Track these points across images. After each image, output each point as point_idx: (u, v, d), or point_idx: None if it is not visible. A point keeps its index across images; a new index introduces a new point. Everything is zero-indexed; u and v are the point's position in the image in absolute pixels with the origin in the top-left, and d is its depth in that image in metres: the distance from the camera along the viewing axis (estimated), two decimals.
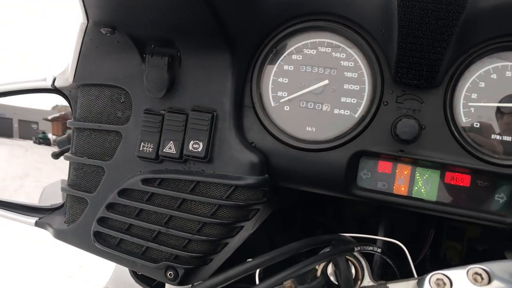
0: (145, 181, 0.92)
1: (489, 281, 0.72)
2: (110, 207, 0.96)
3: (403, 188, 0.86)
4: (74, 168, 1.02)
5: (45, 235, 1.13)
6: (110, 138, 0.97)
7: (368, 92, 0.86)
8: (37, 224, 1.10)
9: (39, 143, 1.76)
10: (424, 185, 0.85)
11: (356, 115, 0.87)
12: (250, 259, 0.80)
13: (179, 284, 0.94)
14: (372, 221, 1.19)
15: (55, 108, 1.44)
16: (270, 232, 1.20)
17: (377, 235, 0.99)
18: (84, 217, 1.00)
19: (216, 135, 0.89)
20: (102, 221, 0.97)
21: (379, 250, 0.92)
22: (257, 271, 0.86)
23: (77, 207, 1.03)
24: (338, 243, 0.86)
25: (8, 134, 1.80)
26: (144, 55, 0.91)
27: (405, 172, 0.86)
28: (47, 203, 1.24)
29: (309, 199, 1.23)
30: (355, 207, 1.22)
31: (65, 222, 1.05)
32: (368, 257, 0.92)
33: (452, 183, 0.84)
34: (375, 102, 0.85)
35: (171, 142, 0.90)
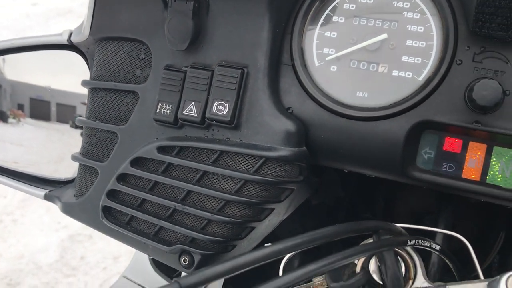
0: (161, 149, 0.79)
1: None
2: (122, 178, 0.84)
3: (474, 172, 0.68)
4: (87, 134, 0.91)
5: None
6: (127, 100, 0.85)
7: (437, 49, 0.69)
8: (46, 197, 0.99)
9: (76, 127, 1.71)
10: (502, 170, 0.67)
11: (420, 78, 0.69)
12: (269, 244, 0.58)
13: None
14: (429, 220, 1.01)
15: None
16: (307, 228, 1.04)
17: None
18: (94, 190, 0.88)
19: (246, 96, 0.75)
20: (112, 194, 0.85)
21: (437, 247, 0.73)
22: (283, 261, 0.70)
23: (87, 178, 0.91)
24: (386, 233, 0.68)
25: (46, 118, 1.76)
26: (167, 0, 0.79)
27: (479, 153, 0.68)
28: None
29: (356, 192, 1.07)
30: (409, 201, 1.04)
31: (74, 196, 0.94)
32: (423, 255, 0.73)
33: None
34: (445, 60, 0.67)
35: (193, 103, 0.77)
